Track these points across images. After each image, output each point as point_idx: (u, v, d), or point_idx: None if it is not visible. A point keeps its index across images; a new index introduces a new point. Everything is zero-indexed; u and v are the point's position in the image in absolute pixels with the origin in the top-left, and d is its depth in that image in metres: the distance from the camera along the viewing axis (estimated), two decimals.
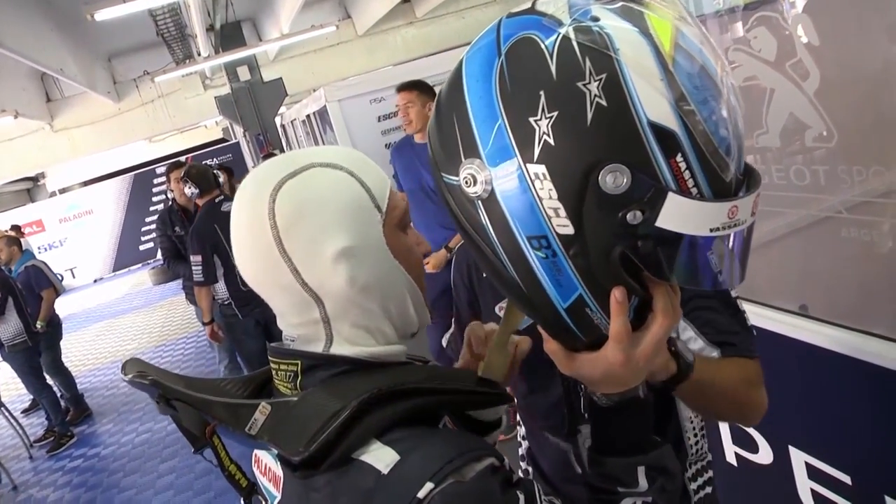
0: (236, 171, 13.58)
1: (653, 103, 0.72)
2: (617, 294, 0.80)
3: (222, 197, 5.17)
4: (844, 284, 2.08)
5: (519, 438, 1.78)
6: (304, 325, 0.94)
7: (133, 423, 6.71)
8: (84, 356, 9.41)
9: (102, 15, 6.40)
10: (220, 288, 5.02)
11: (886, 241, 1.84)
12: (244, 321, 5.02)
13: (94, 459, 6.14)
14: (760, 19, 1.75)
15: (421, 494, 0.78)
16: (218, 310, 5.14)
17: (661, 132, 0.73)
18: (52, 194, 20.57)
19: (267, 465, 1.00)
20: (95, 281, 17.15)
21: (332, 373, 0.91)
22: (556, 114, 0.74)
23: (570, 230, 0.77)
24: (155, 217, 5.85)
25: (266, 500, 1.00)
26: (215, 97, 11.45)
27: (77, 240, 16.83)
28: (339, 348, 0.93)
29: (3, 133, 12.73)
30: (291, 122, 11.35)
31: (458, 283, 1.70)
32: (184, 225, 5.51)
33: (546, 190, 0.76)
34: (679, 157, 0.74)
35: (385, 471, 0.81)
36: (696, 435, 1.60)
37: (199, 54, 10.88)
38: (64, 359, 7.18)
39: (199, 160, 15.46)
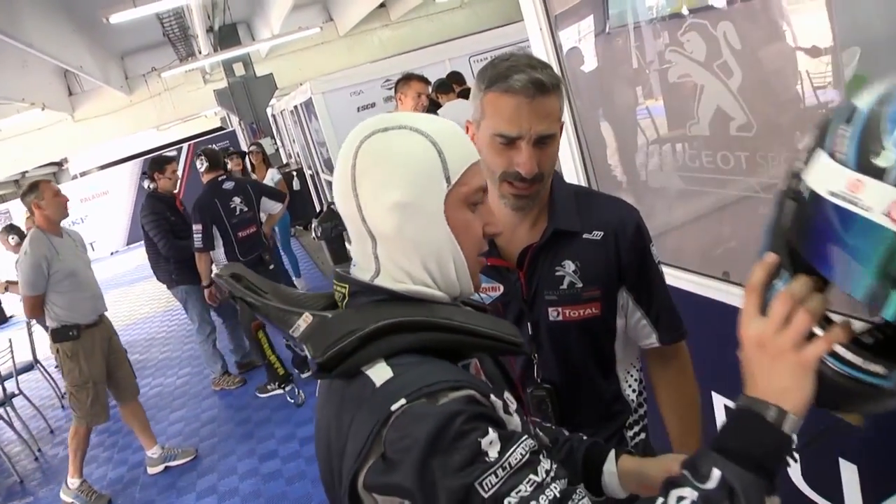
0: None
1: None
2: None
3: (225, 176, 5.22)
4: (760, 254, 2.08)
5: None
6: (361, 255, 0.97)
7: (147, 378, 6.63)
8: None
9: (117, 18, 6.35)
10: (221, 259, 5.00)
11: None
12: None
13: (114, 410, 6.05)
14: (692, 25, 1.73)
15: (394, 408, 0.80)
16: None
17: None
18: (74, 177, 20.22)
19: None
20: (112, 254, 16.85)
21: (371, 299, 0.94)
22: None
23: None
24: None
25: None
26: (214, 90, 11.35)
27: (96, 217, 16.50)
28: (382, 280, 0.95)
29: (33, 123, 12.71)
30: (281, 112, 11.24)
31: None
32: (175, 211, 5.39)
33: None
34: None
35: (378, 384, 0.85)
36: (634, 390, 1.59)
37: (200, 52, 10.75)
38: None
39: (200, 146, 15.32)
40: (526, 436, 0.83)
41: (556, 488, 0.79)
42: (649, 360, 1.61)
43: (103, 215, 16.64)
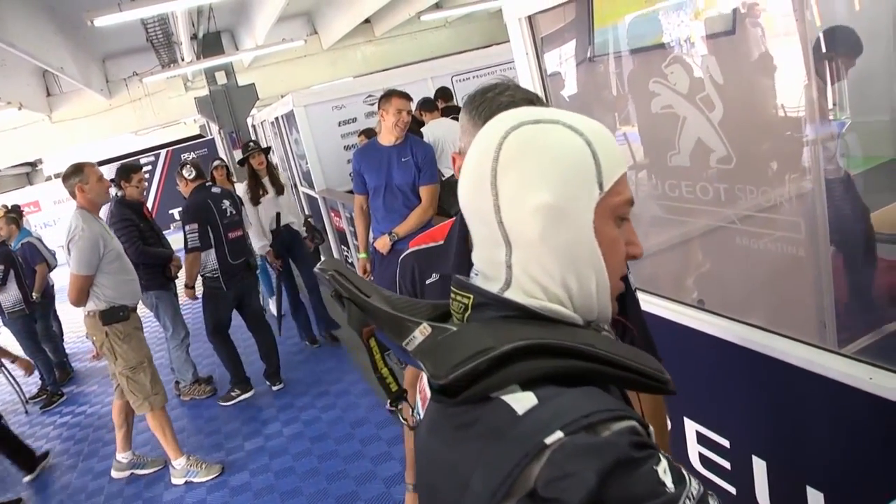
0: (210, 163, 13.26)
1: None
2: None
3: (210, 183, 5.30)
4: (734, 283, 2.11)
5: None
6: (489, 262, 0.84)
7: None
8: (73, 324, 9.05)
9: (101, 21, 6.25)
10: (210, 261, 5.00)
11: (769, 248, 1.88)
12: (227, 292, 5.05)
13: (81, 416, 5.94)
14: (676, 58, 1.76)
15: (549, 440, 0.68)
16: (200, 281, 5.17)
17: None
18: (48, 178, 19.86)
19: (424, 384, 0.92)
20: None
21: (499, 314, 0.81)
22: None
23: None
24: None
25: (413, 411, 0.93)
26: (195, 98, 11.23)
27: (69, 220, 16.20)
28: (513, 294, 0.82)
29: (8, 122, 12.40)
30: (261, 122, 11.18)
31: (402, 289, 1.57)
32: (143, 218, 5.31)
33: None
34: None
35: (520, 412, 0.71)
36: None
37: (183, 59, 10.64)
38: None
39: (179, 153, 15.20)
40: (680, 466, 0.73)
41: None
42: None
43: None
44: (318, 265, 0.87)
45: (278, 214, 5.88)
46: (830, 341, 1.81)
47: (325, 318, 6.00)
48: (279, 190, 5.94)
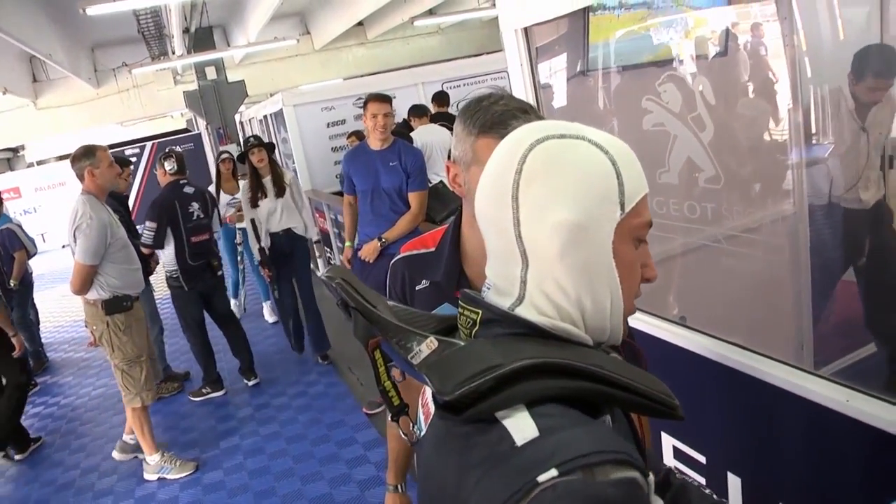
0: (196, 158, 13.02)
1: None
2: None
3: (185, 181, 5.09)
4: (716, 301, 2.13)
5: None
6: (502, 277, 0.82)
7: (90, 378, 6.41)
8: (50, 313, 8.94)
9: (94, 10, 6.17)
10: (170, 260, 4.94)
11: (752, 268, 1.90)
12: (189, 293, 4.98)
13: (55, 408, 5.85)
14: (670, 76, 1.78)
15: (541, 479, 0.64)
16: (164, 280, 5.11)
17: None
18: (30, 165, 19.59)
19: (428, 398, 0.88)
20: (63, 246, 16.29)
21: (509, 331, 0.79)
22: None
23: None
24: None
25: (414, 426, 0.89)
26: (184, 92, 11.17)
27: (50, 208, 15.99)
28: (524, 311, 0.79)
29: None
30: (249, 120, 11.13)
31: (391, 294, 1.55)
32: (127, 210, 5.25)
33: None
34: None
35: (519, 443, 0.68)
36: None
37: (174, 52, 10.61)
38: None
39: (164, 146, 15.05)
40: None
41: None
42: None
43: (58, 207, 16.15)
44: (324, 272, 0.85)
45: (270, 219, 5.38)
46: (808, 362, 1.83)
47: (317, 337, 5.58)
48: (279, 192, 5.36)
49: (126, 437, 4.49)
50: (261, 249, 5.36)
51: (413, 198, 4.05)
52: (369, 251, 4.08)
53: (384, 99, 3.96)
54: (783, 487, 1.75)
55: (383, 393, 0.85)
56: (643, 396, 0.77)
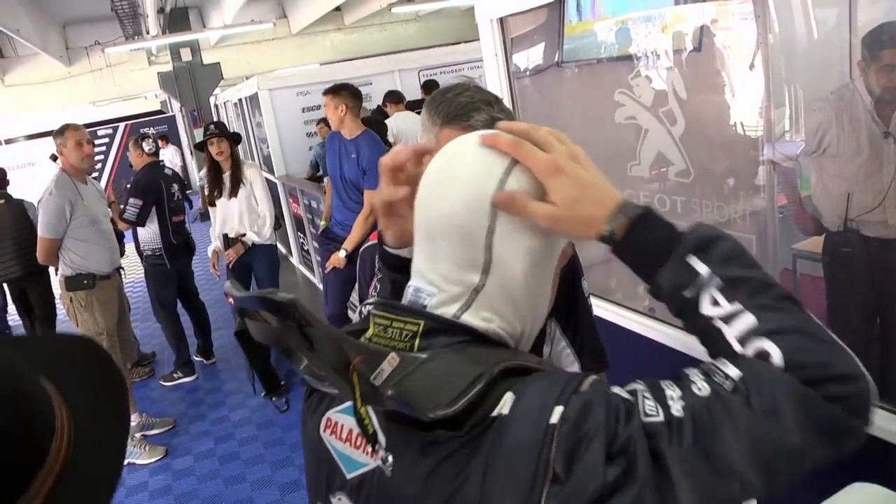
0: (170, 140, 12.71)
1: None
2: None
3: (163, 162, 5.21)
4: None
5: None
6: (452, 282, 0.77)
7: None
8: None
9: None
10: (151, 238, 4.90)
11: None
12: (169, 271, 4.96)
13: None
14: (642, 70, 1.77)
15: (554, 420, 0.65)
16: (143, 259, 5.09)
17: None
18: None
19: (349, 430, 0.82)
20: None
21: (454, 340, 0.75)
22: None
23: None
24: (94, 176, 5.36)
25: (341, 468, 0.82)
26: (158, 73, 10.99)
27: (19, 189, 15.60)
28: (470, 317, 0.76)
29: None
30: (224, 103, 10.98)
31: (362, 281, 1.55)
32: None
33: None
34: None
35: (507, 411, 0.68)
36: None
37: (148, 32, 10.37)
38: None
39: (138, 128, 14.75)
40: None
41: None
42: None
43: (27, 187, 15.80)
44: (276, 294, 0.75)
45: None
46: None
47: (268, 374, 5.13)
48: (233, 190, 4.54)
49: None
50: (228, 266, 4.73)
51: (365, 196, 4.03)
52: (336, 262, 4.12)
53: (331, 91, 4.05)
54: None
55: (359, 420, 0.74)
56: None
